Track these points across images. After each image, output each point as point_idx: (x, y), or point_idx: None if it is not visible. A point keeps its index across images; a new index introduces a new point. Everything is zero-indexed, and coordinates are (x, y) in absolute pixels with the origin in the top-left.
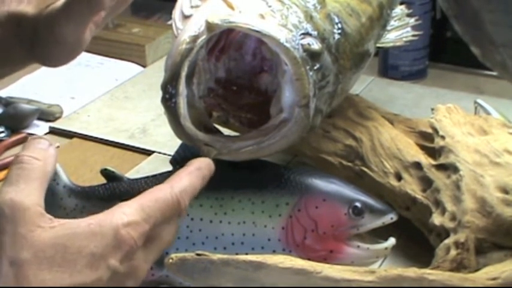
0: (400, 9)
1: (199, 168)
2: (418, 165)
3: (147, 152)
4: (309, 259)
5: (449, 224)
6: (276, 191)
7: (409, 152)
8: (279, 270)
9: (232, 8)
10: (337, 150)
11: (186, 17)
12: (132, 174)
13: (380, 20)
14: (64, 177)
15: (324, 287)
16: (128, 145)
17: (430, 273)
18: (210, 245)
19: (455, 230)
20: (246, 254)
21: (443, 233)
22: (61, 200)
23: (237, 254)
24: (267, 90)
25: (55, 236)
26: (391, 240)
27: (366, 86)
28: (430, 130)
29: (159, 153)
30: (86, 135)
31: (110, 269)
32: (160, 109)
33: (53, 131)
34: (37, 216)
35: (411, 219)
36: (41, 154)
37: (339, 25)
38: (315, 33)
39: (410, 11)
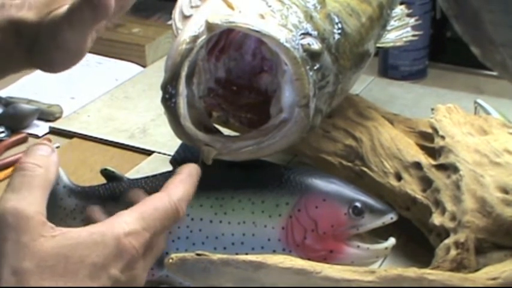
0: (400, 9)
1: (190, 175)
2: (418, 165)
3: (147, 152)
4: (309, 259)
5: (449, 224)
6: (276, 191)
7: (409, 152)
8: (279, 270)
9: (232, 8)
10: (337, 150)
11: (186, 17)
12: (132, 174)
13: (380, 20)
14: (64, 177)
15: (324, 287)
16: (127, 145)
17: (430, 273)
18: (210, 245)
19: (455, 230)
20: (246, 254)
21: (443, 233)
22: (61, 200)
23: (237, 254)
24: (267, 90)
25: (57, 246)
26: (391, 240)
27: (366, 86)
28: (430, 130)
29: (159, 153)
30: (86, 135)
31: (111, 279)
32: (160, 109)
33: (52, 131)
34: (40, 225)
35: (411, 219)
36: (43, 161)
37: (339, 25)
38: (315, 33)
39: (410, 11)
